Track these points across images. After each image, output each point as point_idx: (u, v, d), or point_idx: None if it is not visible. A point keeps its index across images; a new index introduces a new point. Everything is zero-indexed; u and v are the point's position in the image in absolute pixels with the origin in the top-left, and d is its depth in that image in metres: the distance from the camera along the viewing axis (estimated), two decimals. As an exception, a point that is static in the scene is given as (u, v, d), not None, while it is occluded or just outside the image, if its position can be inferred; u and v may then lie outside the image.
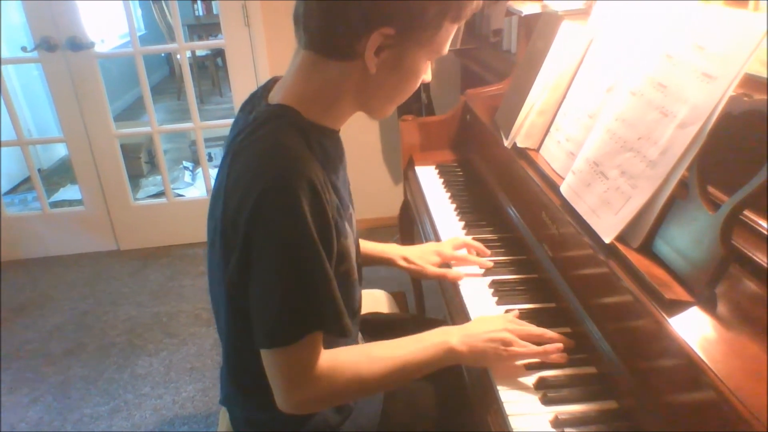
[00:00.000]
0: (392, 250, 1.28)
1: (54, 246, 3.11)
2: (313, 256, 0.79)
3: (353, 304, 1.00)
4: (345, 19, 0.79)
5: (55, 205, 3.54)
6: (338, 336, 0.86)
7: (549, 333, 0.97)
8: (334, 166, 0.92)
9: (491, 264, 1.23)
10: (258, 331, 0.83)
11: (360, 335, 1.20)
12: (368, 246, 1.25)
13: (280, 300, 0.80)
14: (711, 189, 0.81)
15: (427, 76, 0.92)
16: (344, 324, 0.85)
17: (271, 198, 0.77)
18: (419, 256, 1.26)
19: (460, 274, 1.20)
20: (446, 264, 1.26)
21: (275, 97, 0.89)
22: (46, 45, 2.65)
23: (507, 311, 1.07)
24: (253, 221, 0.78)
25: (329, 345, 0.88)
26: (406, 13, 0.79)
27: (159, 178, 3.70)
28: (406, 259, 1.26)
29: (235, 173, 0.83)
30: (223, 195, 0.85)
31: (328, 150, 0.90)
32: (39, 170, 3.73)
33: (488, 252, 1.26)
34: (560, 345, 0.94)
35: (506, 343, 0.93)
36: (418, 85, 0.91)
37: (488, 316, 1.03)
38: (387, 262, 1.27)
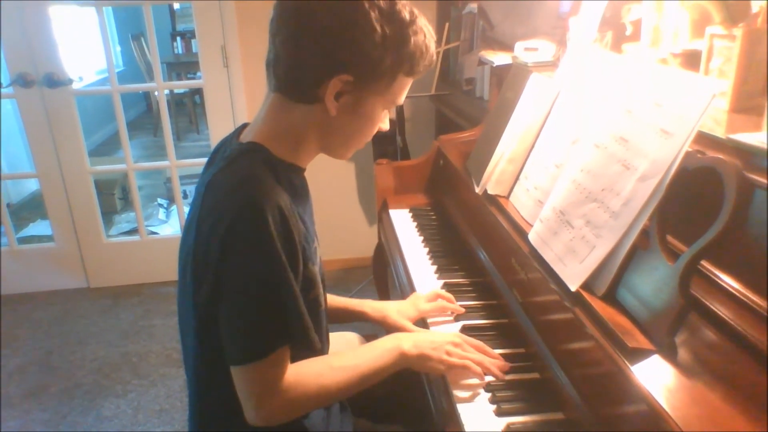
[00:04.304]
0: (367, 305, 1.27)
1: (21, 283, 3.04)
2: (281, 274, 0.85)
3: (321, 331, 1.03)
4: (309, 66, 0.88)
5: (24, 240, 3.48)
6: (306, 349, 0.92)
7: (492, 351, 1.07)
8: (301, 199, 0.99)
9: (463, 311, 1.24)
10: (231, 348, 0.88)
11: None
12: (340, 300, 1.26)
13: (251, 317, 0.86)
14: (672, 239, 0.85)
15: (384, 125, 1.01)
16: (311, 338, 0.91)
17: (242, 222, 0.83)
18: (398, 311, 1.24)
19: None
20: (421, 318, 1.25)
21: (247, 136, 0.97)
22: (22, 81, 2.65)
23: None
24: (225, 245, 0.84)
25: (295, 360, 0.93)
26: (364, 63, 0.88)
27: (133, 214, 3.66)
28: (383, 316, 1.24)
29: (208, 203, 0.89)
30: (195, 223, 0.90)
31: (295, 185, 0.97)
32: (8, 204, 3.67)
33: (455, 304, 1.25)
34: (502, 363, 1.04)
35: (454, 347, 1.02)
36: (374, 132, 1.00)
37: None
38: (359, 317, 1.27)
